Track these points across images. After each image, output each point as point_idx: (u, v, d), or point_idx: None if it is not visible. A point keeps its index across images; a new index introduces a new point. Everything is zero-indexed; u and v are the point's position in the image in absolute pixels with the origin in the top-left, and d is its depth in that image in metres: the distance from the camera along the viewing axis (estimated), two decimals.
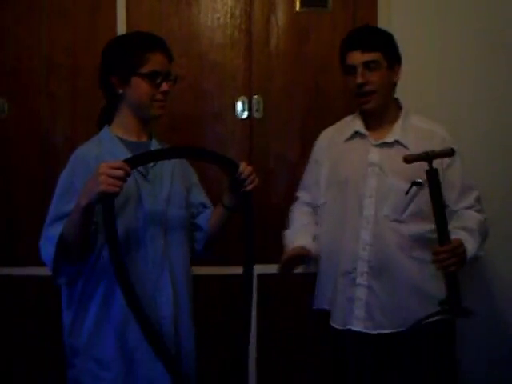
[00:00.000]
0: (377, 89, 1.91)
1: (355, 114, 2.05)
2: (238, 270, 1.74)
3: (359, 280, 1.91)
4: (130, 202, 1.65)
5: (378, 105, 1.94)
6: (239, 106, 2.51)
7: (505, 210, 2.52)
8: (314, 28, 2.52)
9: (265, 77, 2.52)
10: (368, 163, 1.95)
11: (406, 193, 1.86)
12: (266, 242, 2.33)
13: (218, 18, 2.52)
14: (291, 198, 2.20)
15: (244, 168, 1.70)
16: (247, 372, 1.91)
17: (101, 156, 1.65)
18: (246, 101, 2.51)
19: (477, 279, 2.49)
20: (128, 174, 1.49)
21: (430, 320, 1.79)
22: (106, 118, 1.78)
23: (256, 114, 2.51)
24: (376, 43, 1.92)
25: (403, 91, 2.06)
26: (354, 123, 2.02)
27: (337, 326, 1.96)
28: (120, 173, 1.47)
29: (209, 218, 1.87)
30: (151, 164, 1.71)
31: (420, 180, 1.83)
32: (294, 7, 2.53)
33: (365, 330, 1.91)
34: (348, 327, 1.93)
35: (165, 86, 1.70)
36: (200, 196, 1.91)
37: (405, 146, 1.92)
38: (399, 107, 2.02)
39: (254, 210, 1.75)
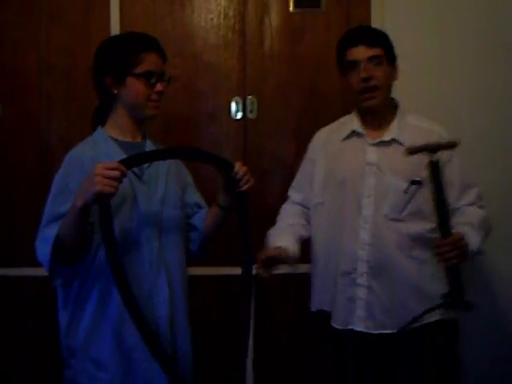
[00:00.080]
0: (381, 84, 1.90)
1: (352, 114, 2.04)
2: (234, 271, 1.74)
3: (359, 280, 1.90)
4: (125, 202, 1.65)
5: (382, 101, 1.93)
6: (233, 106, 2.51)
7: (505, 209, 2.52)
8: (307, 28, 2.53)
9: (259, 77, 2.53)
10: (366, 162, 1.94)
11: (405, 191, 1.86)
12: (261, 241, 2.33)
13: (212, 19, 2.52)
14: (286, 199, 2.19)
15: (239, 168, 1.70)
16: (245, 372, 1.91)
17: (96, 157, 1.64)
18: (240, 101, 2.51)
19: (477, 278, 2.50)
20: (124, 175, 1.49)
21: (432, 320, 1.80)
22: (99, 118, 1.77)
23: (250, 115, 2.52)
24: (379, 39, 1.93)
25: (402, 91, 2.05)
26: (351, 122, 2.01)
27: (338, 326, 1.94)
28: (116, 173, 1.47)
29: (204, 218, 1.87)
30: (146, 165, 1.71)
31: (419, 179, 1.83)
32: (288, 8, 2.53)
33: (366, 330, 1.90)
34: (350, 327, 1.92)
35: (159, 86, 1.70)
36: (195, 196, 1.91)
37: (402, 145, 1.90)
38: (395, 106, 2.02)
39: (249, 210, 1.75)
